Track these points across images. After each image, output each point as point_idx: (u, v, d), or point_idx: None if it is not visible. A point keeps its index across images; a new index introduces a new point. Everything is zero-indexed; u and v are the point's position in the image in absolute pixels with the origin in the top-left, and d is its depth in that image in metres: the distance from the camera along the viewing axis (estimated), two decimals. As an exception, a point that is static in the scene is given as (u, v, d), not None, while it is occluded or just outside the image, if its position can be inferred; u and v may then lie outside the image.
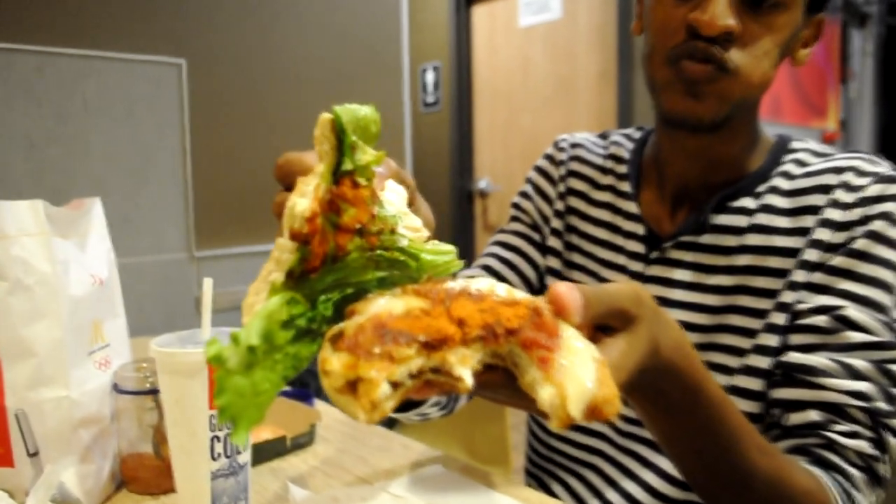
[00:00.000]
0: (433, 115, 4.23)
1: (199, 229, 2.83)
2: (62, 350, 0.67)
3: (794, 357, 0.70)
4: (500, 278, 0.92)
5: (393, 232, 0.40)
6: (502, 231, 0.98)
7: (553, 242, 0.93)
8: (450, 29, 4.07)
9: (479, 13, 4.05)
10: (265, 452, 0.83)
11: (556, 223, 0.93)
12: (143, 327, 1.07)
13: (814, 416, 0.67)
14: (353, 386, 0.34)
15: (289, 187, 0.44)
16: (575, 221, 0.92)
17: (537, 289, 0.94)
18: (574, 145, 0.97)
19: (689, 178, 0.82)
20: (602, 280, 0.88)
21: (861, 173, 0.74)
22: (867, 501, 0.65)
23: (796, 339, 0.71)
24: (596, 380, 0.36)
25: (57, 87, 2.50)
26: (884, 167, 0.74)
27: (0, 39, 2.38)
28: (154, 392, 0.72)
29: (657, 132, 0.86)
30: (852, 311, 0.68)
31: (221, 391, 0.34)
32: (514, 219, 0.98)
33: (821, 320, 0.70)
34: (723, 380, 0.75)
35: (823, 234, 0.72)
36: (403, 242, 0.41)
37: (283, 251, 0.38)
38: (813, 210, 0.74)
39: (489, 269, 0.93)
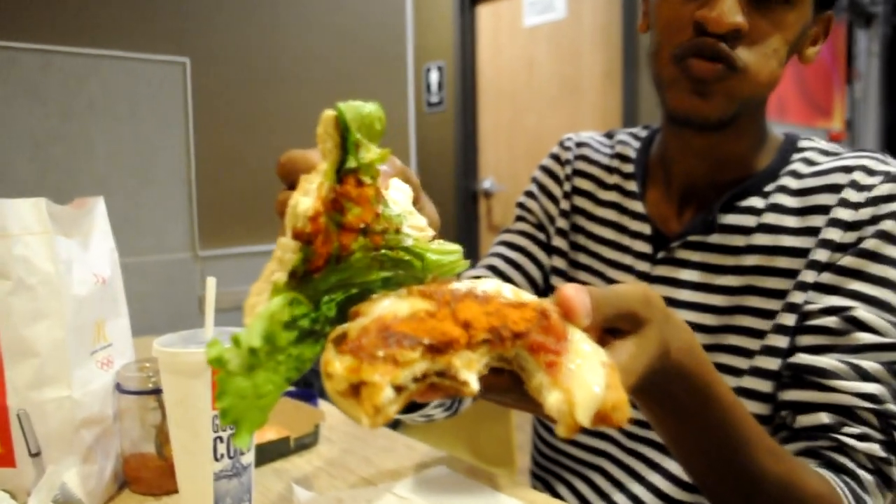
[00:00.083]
0: (437, 115, 4.22)
1: (203, 228, 2.83)
2: (64, 350, 0.67)
3: (804, 358, 0.69)
4: (506, 278, 0.92)
5: (398, 231, 0.40)
6: (507, 231, 0.97)
7: (558, 242, 0.92)
8: (454, 29, 4.06)
9: (483, 13, 4.05)
10: (269, 453, 0.82)
11: (562, 223, 0.93)
12: (146, 327, 1.07)
13: (824, 418, 0.66)
14: (356, 389, 0.33)
15: (292, 186, 0.43)
16: (581, 221, 0.92)
17: (542, 289, 0.93)
18: (580, 144, 0.96)
19: (696, 176, 0.81)
20: (608, 280, 0.87)
21: (870, 172, 0.73)
22: (878, 505, 0.65)
23: (805, 340, 0.70)
24: (604, 385, 0.35)
25: (61, 85, 2.51)
26: (893, 166, 0.73)
27: (4, 38, 2.39)
28: (157, 392, 0.72)
29: (663, 131, 0.85)
30: (862, 312, 0.67)
31: (223, 393, 0.33)
32: (520, 218, 0.97)
33: (830, 321, 0.69)
34: (731, 381, 0.74)
35: (833, 234, 0.71)
36: (408, 242, 0.40)
37: (285, 251, 0.37)
38: (822, 209, 0.73)
39: (494, 270, 0.92)
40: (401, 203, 0.43)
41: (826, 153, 0.78)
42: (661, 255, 0.82)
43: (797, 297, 0.72)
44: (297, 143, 0.48)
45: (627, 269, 0.85)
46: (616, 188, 0.90)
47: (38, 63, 2.46)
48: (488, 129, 4.10)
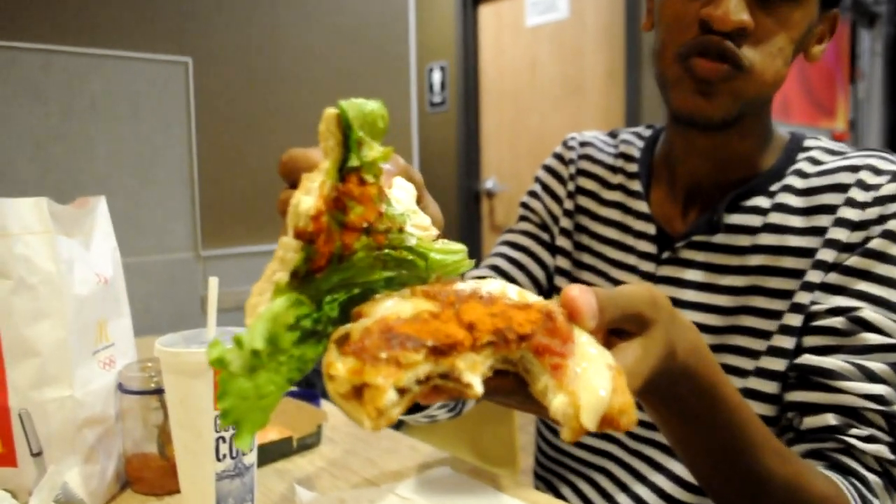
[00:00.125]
0: (440, 115, 4.22)
1: (205, 228, 2.83)
2: (66, 350, 0.67)
3: (810, 359, 0.68)
4: (509, 278, 0.91)
5: (401, 230, 0.39)
6: (511, 231, 0.97)
7: (562, 242, 0.92)
8: (456, 29, 4.06)
9: (485, 13, 4.04)
10: (271, 453, 0.82)
11: (566, 222, 0.92)
12: (148, 327, 1.07)
13: (830, 419, 0.66)
14: (358, 391, 0.32)
15: (294, 184, 0.42)
16: (584, 221, 0.91)
17: (546, 289, 0.93)
18: (584, 144, 0.95)
19: (701, 176, 0.80)
20: (612, 280, 0.86)
21: (877, 171, 0.72)
22: (884, 507, 0.64)
23: (811, 340, 0.70)
24: (610, 388, 0.35)
25: (62, 85, 2.51)
26: None
27: (5, 37, 2.39)
28: (159, 392, 0.72)
29: (668, 130, 0.85)
30: (869, 313, 0.67)
31: (224, 394, 0.33)
32: (523, 218, 0.97)
33: (837, 322, 0.68)
34: (736, 382, 0.74)
35: (839, 234, 0.71)
36: (412, 241, 0.40)
37: (287, 250, 0.37)
38: (828, 209, 0.73)
39: (497, 270, 0.92)
40: (404, 202, 0.42)
41: (832, 152, 0.78)
42: (665, 255, 0.81)
43: (803, 298, 0.71)
44: (298, 143, 0.48)
45: (631, 269, 0.85)
46: (620, 188, 0.89)
47: (39, 62, 2.46)
48: (491, 129, 4.10)
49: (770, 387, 0.72)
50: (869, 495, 0.63)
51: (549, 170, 0.97)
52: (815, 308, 0.70)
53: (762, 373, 0.73)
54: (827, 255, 0.71)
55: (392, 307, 0.36)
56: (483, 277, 0.41)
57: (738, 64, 0.69)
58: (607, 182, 0.91)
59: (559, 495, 0.89)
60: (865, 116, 4.09)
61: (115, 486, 0.74)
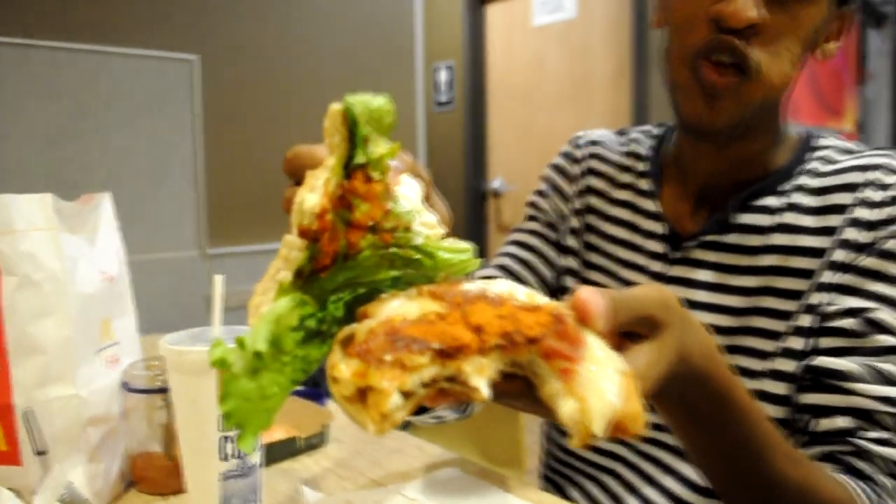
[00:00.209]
0: (446, 115, 4.21)
1: (212, 226, 2.84)
2: (70, 348, 0.66)
3: (823, 361, 0.68)
4: (517, 278, 0.90)
5: (408, 229, 0.39)
6: (518, 230, 0.96)
7: (571, 242, 0.91)
8: (463, 28, 4.05)
9: (492, 12, 4.03)
10: (277, 453, 0.82)
11: (574, 222, 0.91)
12: (153, 325, 1.06)
13: (843, 422, 0.65)
14: (362, 394, 0.32)
15: (299, 182, 0.42)
16: (593, 220, 0.90)
17: (554, 289, 0.92)
18: (592, 142, 0.94)
19: (711, 176, 0.80)
20: (622, 280, 0.85)
21: (890, 171, 0.71)
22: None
23: (825, 342, 0.69)
24: (620, 394, 0.34)
25: (72, 82, 2.51)
26: None
27: (16, 35, 2.39)
28: (164, 391, 0.71)
29: (677, 130, 0.84)
30: (882, 314, 0.66)
31: (227, 395, 0.32)
32: (531, 217, 0.96)
33: (850, 323, 0.67)
34: (747, 383, 0.73)
35: (852, 234, 0.70)
36: (419, 240, 0.39)
37: (291, 249, 0.36)
38: (840, 209, 0.72)
39: (505, 269, 0.91)
40: (411, 199, 0.42)
41: (844, 151, 0.77)
42: (676, 255, 0.80)
43: (815, 299, 0.70)
44: (306, 141, 0.47)
45: (641, 269, 0.84)
46: (629, 187, 0.88)
47: (49, 60, 2.46)
48: (498, 128, 4.09)
49: (781, 388, 0.71)
50: (882, 499, 0.62)
51: (557, 168, 0.96)
52: (828, 309, 0.69)
53: (774, 374, 0.72)
54: (840, 255, 0.70)
55: (398, 308, 0.35)
56: (491, 277, 0.40)
57: (745, 67, 0.68)
58: (616, 181, 0.90)
59: (567, 497, 0.88)
60: (874, 117, 4.06)
61: (119, 485, 0.74)
